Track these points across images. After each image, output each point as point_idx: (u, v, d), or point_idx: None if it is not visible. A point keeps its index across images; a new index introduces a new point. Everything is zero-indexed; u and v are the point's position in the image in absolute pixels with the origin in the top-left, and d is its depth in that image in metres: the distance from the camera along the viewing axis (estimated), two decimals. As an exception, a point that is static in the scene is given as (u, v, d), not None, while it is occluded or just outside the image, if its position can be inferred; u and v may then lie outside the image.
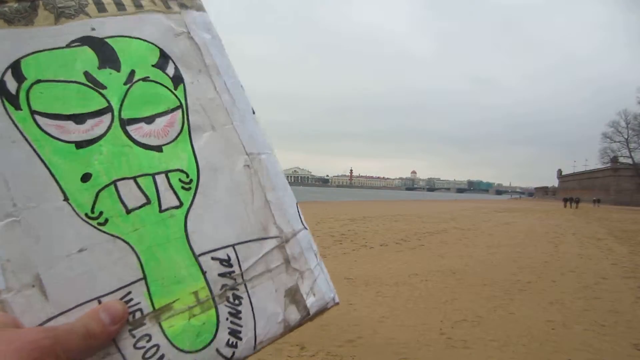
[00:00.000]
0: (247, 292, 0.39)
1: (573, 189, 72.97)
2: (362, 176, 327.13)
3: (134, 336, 0.34)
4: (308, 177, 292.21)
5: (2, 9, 0.35)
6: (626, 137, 54.50)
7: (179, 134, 0.39)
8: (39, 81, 0.35)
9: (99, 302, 0.34)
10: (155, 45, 0.40)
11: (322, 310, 0.43)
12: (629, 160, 54.60)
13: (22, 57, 0.35)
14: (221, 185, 0.40)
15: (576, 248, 8.19)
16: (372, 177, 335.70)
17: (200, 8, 0.43)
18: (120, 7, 0.39)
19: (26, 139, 0.34)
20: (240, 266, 0.39)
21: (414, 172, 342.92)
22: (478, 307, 3.94)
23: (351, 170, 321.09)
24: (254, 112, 0.44)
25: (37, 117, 0.35)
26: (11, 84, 0.34)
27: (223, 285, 0.38)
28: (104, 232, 0.35)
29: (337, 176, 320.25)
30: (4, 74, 0.34)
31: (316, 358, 2.75)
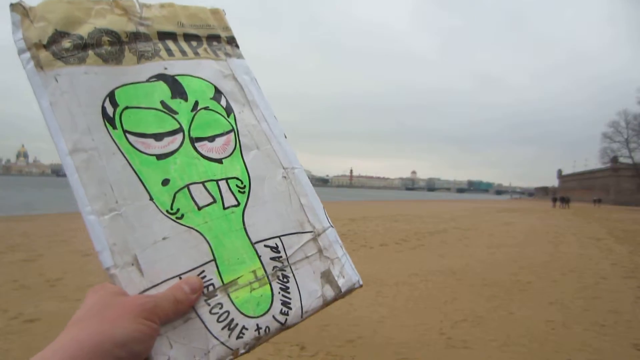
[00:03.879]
0: (293, 272, 0.48)
1: (573, 189, 72.94)
2: (362, 176, 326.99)
3: (209, 304, 0.43)
4: (308, 177, 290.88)
5: (99, 51, 0.45)
6: (626, 137, 54.48)
7: (233, 151, 0.50)
8: (127, 107, 0.45)
9: (180, 278, 0.42)
10: (211, 83, 0.51)
11: (350, 290, 0.51)
12: (629, 160, 54.57)
13: (115, 89, 0.45)
14: (267, 191, 0.50)
15: (576, 248, 8.19)
16: (372, 177, 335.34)
17: (240, 56, 0.56)
18: (183, 53, 0.51)
19: (121, 152, 0.44)
20: (285, 252, 0.48)
21: (414, 172, 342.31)
22: (478, 307, 3.94)
23: (351, 170, 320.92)
24: (285, 137, 0.55)
25: (128, 135, 0.44)
26: (109, 109, 0.44)
27: (274, 267, 0.47)
28: (182, 224, 0.44)
29: (337, 176, 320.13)
30: (104, 100, 0.44)
31: (316, 358, 2.75)
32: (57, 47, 0.44)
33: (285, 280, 0.47)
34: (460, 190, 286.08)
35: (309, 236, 0.50)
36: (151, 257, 0.42)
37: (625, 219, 19.80)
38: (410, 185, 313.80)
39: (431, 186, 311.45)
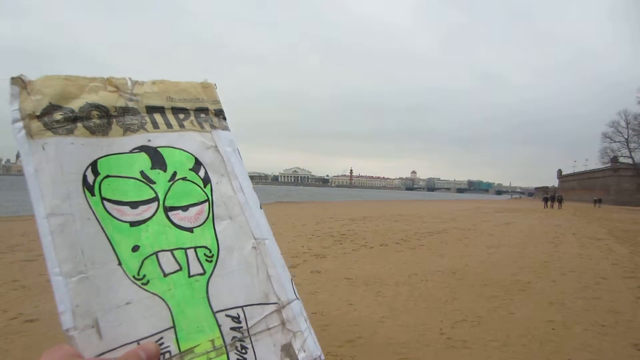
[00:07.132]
0: (252, 344, 0.49)
1: (573, 189, 72.95)
2: (362, 176, 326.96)
3: None
4: (308, 177, 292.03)
5: (88, 124, 0.48)
6: (626, 137, 54.43)
7: (205, 220, 0.51)
8: (108, 176, 0.48)
9: (138, 344, 0.43)
10: (192, 154, 0.54)
11: None
12: (629, 160, 54.53)
13: (98, 158, 0.48)
14: (235, 260, 0.51)
15: (576, 248, 8.19)
16: (372, 177, 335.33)
17: (225, 128, 0.58)
18: (169, 126, 0.54)
19: (96, 218, 0.46)
20: (247, 323, 0.49)
21: (414, 172, 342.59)
22: (478, 307, 3.95)
23: (351, 170, 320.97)
24: (261, 207, 0.56)
25: (105, 202, 0.47)
26: (90, 177, 0.47)
27: (233, 337, 0.48)
28: (146, 290, 0.46)
29: (337, 176, 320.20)
30: (86, 169, 0.47)
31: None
32: (48, 119, 0.47)
33: (243, 351, 0.48)
34: (460, 190, 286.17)
35: (272, 307, 0.51)
36: (112, 320, 0.43)
37: (625, 219, 19.81)
38: (410, 185, 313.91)
39: (431, 186, 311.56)
